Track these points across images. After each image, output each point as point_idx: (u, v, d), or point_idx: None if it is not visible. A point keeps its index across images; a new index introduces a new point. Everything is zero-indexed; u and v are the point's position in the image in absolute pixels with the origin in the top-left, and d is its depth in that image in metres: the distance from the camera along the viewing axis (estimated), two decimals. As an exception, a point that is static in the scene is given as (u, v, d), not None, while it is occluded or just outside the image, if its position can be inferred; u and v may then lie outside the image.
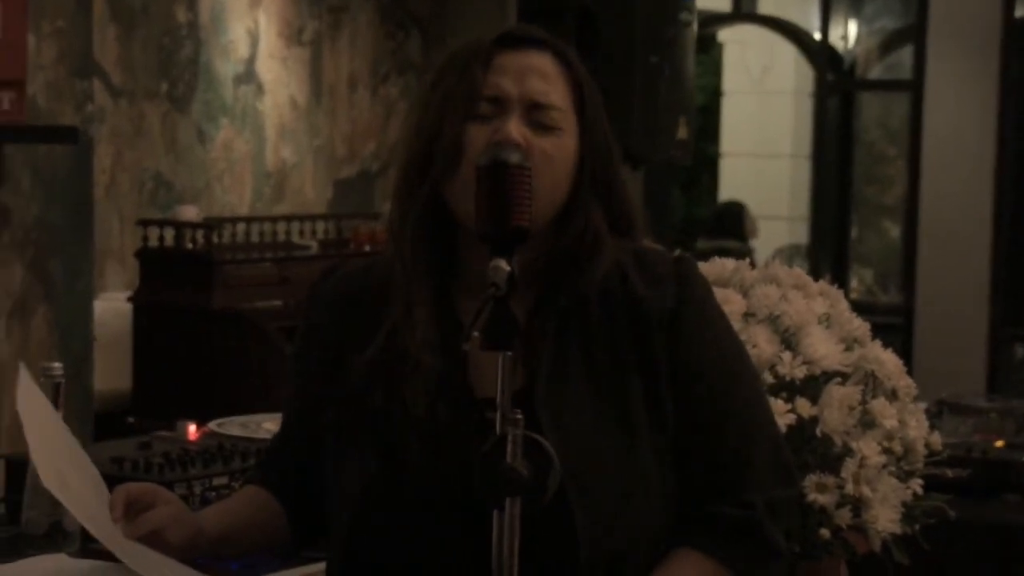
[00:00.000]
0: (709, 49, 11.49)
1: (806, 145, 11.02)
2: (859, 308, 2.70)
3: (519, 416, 1.79)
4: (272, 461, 2.23)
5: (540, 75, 2.03)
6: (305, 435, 2.13)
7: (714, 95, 12.00)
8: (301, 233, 6.45)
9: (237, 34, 7.64)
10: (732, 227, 9.07)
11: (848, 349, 2.56)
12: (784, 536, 2.04)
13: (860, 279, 10.25)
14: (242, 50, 7.66)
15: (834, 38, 9.98)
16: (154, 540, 2.02)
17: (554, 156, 2.00)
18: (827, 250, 9.65)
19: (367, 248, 6.39)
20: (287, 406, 2.23)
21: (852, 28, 10.24)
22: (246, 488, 2.22)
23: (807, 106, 11.09)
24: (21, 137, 4.09)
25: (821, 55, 9.85)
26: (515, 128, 1.98)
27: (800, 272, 2.69)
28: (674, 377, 2.01)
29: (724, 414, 2.04)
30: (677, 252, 2.16)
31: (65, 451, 2.13)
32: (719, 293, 2.33)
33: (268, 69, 7.78)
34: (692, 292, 2.06)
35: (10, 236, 4.16)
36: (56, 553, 2.30)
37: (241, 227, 6.29)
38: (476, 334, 1.80)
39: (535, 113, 2.01)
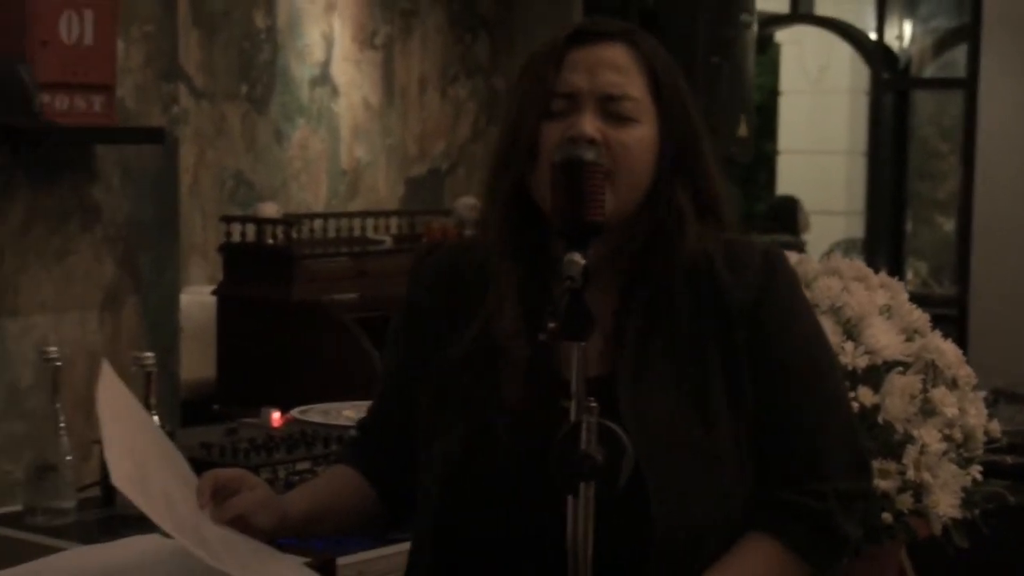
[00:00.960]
0: (767, 49, 11.41)
1: (861, 142, 10.94)
2: (914, 300, 2.69)
3: (594, 404, 1.78)
4: (363, 440, 2.22)
5: (613, 67, 2.00)
6: (401, 412, 2.12)
7: (771, 94, 11.92)
8: (375, 228, 6.46)
9: (313, 38, 7.66)
10: (786, 221, 9.02)
11: (909, 339, 2.55)
12: (857, 526, 2.03)
13: (915, 272, 10.17)
14: (318, 53, 7.68)
15: (889, 38, 9.90)
16: (240, 524, 2.02)
17: (631, 146, 1.97)
18: (882, 244, 9.58)
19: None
20: (384, 382, 2.22)
21: (907, 28, 10.15)
22: (334, 468, 2.22)
23: (862, 104, 11.01)
24: (111, 138, 4.12)
25: (876, 54, 9.78)
26: (588, 123, 1.96)
27: (861, 264, 2.68)
28: (755, 367, 2.00)
29: (802, 405, 2.02)
30: (766, 243, 2.12)
31: (148, 441, 2.13)
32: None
33: (342, 72, 7.80)
34: (777, 284, 2.03)
35: (102, 232, 4.20)
36: (149, 534, 2.32)
37: (318, 223, 6.31)
38: (552, 325, 1.80)
39: (609, 105, 1.98)
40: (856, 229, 11.15)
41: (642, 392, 1.96)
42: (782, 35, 11.44)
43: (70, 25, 3.90)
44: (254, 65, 7.34)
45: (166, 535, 2.22)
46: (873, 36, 9.88)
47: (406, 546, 2.27)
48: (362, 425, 2.25)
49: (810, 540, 1.99)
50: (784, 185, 11.65)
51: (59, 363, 2.65)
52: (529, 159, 1.99)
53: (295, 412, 3.13)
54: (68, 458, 2.62)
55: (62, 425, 2.62)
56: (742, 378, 1.99)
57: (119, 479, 1.96)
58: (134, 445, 2.06)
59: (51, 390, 2.63)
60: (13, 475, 3.92)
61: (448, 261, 2.14)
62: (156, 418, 2.65)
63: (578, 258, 1.81)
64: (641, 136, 1.99)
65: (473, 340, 2.02)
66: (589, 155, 1.88)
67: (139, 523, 2.49)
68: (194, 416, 4.42)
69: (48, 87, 3.85)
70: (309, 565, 2.04)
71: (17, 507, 2.68)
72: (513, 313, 2.01)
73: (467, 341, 2.03)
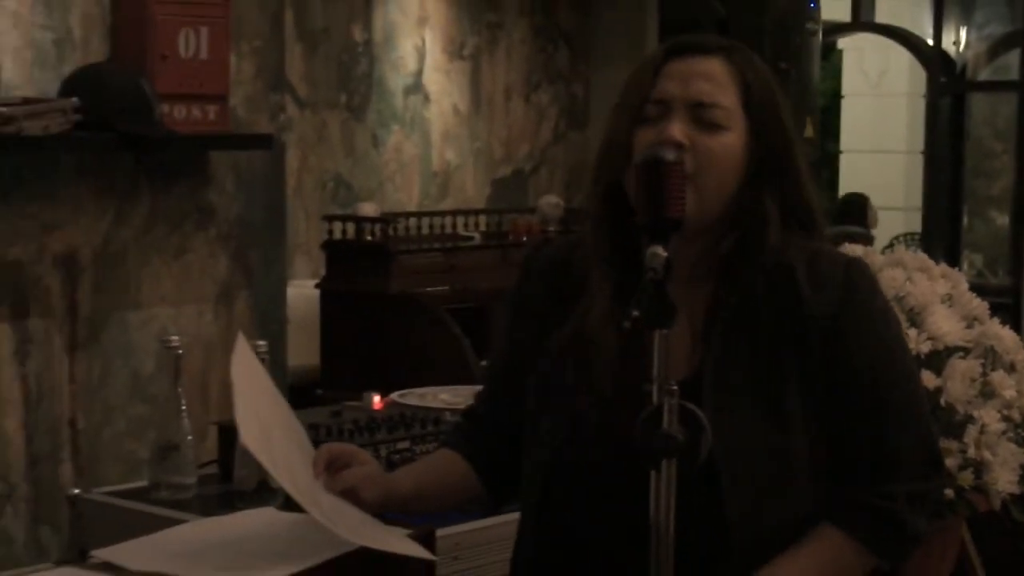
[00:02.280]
0: (830, 55, 11.33)
1: (919, 142, 10.84)
2: (972, 290, 2.67)
3: (675, 387, 1.79)
4: (467, 426, 2.22)
5: (706, 78, 1.98)
6: (507, 399, 2.12)
7: (834, 97, 11.83)
8: (465, 226, 6.48)
9: (406, 50, 7.69)
10: (856, 215, 8.94)
11: (969, 326, 2.54)
12: (924, 521, 2.00)
13: (971, 263, 10.06)
14: (411, 64, 7.71)
15: (946, 43, 9.79)
16: (350, 495, 2.05)
17: (718, 152, 1.95)
18: (940, 237, 9.49)
19: (524, 239, 6.39)
20: (490, 371, 2.23)
21: (963, 34, 10.04)
22: (440, 451, 2.22)
23: (920, 106, 10.91)
24: (224, 144, 4.15)
25: (934, 59, 9.67)
26: (676, 127, 1.95)
27: (924, 256, 2.66)
28: (831, 375, 1.97)
29: (876, 410, 1.99)
30: (850, 256, 2.08)
31: (274, 411, 2.15)
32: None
33: (433, 81, 7.82)
34: (856, 297, 1.99)
35: (216, 231, 4.23)
36: (264, 507, 2.35)
37: (412, 221, 6.34)
38: (635, 314, 1.80)
39: (699, 112, 1.96)
40: (914, 224, 11.05)
41: (723, 391, 1.95)
42: (844, 42, 11.36)
43: (187, 41, 3.93)
44: (352, 76, 7.38)
45: (279, 509, 2.26)
46: (930, 42, 9.78)
47: (499, 519, 2.28)
48: (468, 412, 2.25)
49: (877, 534, 1.97)
50: (846, 183, 11.56)
51: (180, 351, 2.67)
52: (624, 162, 1.99)
53: (394, 395, 3.14)
54: (189, 438, 2.65)
55: (183, 408, 2.64)
56: (817, 386, 1.97)
57: (247, 438, 1.98)
58: (262, 412, 2.08)
59: (173, 376, 2.65)
60: (137, 454, 3.97)
61: (556, 255, 2.13)
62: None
63: (659, 251, 1.80)
64: (728, 143, 1.97)
65: (571, 331, 2.02)
66: (669, 155, 1.87)
67: (254, 498, 2.54)
68: (300, 400, 4.43)
69: (167, 98, 3.88)
70: (410, 536, 2.05)
71: (143, 483, 2.71)
72: (605, 306, 2.00)
73: (566, 332, 2.03)
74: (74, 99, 3.66)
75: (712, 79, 1.98)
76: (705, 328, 1.99)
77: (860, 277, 2.02)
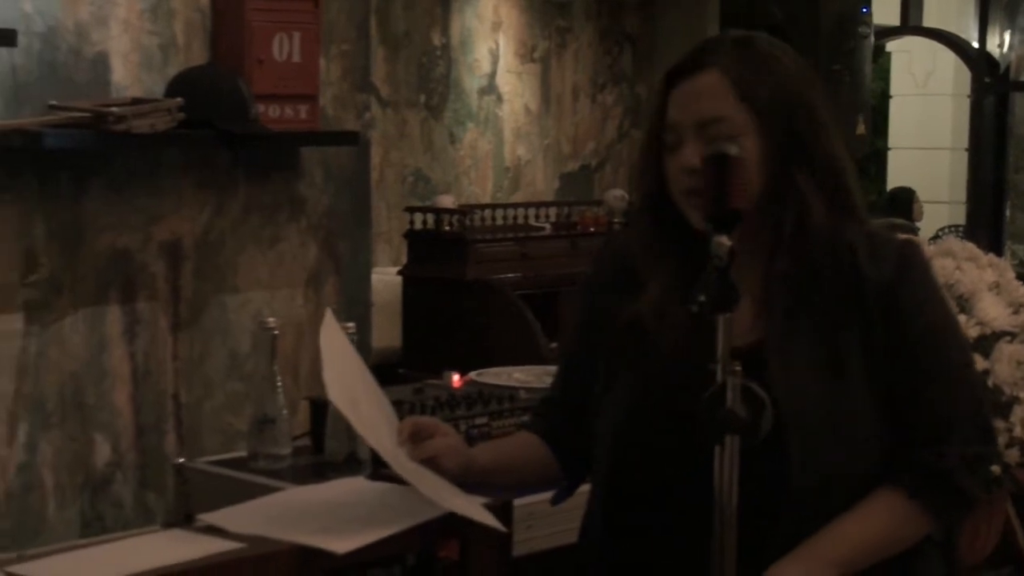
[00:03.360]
0: (879, 58, 11.21)
1: (964, 139, 10.74)
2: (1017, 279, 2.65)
3: (738, 368, 1.79)
4: (545, 411, 2.23)
5: (707, 95, 1.97)
6: (580, 383, 2.12)
7: (883, 97, 11.71)
8: (536, 217, 6.47)
9: (481, 54, 7.69)
10: (902, 208, 8.86)
11: (1015, 312, 2.52)
12: (979, 485, 1.99)
13: (1012, 254, 9.95)
14: (485, 67, 7.71)
15: (990, 46, 9.69)
16: (432, 465, 2.06)
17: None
18: (983, 229, 9.40)
19: (591, 229, 6.38)
20: (566, 353, 2.24)
21: (1007, 37, 9.92)
22: (520, 434, 2.24)
23: (965, 106, 10.80)
24: (315, 141, 4.17)
25: (978, 61, 9.58)
26: (689, 153, 1.96)
27: (973, 246, 2.64)
28: (890, 343, 1.96)
29: (932, 377, 1.98)
30: (904, 237, 2.09)
31: (361, 382, 2.16)
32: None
33: (506, 82, 7.82)
34: (911, 273, 2.00)
35: (306, 221, 4.26)
36: (353, 477, 2.36)
37: (488, 212, 6.33)
38: (702, 298, 1.80)
39: (708, 130, 1.96)
40: (958, 217, 10.94)
41: (788, 359, 1.95)
42: (893, 45, 11.24)
43: (281, 45, 3.96)
44: (431, 78, 7.39)
45: (368, 479, 2.27)
46: (975, 44, 9.67)
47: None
48: (545, 399, 2.26)
49: (935, 496, 1.96)
50: (894, 178, 11.46)
51: (276, 332, 2.69)
52: (660, 181, 2.01)
53: (472, 375, 3.15)
54: (284, 412, 2.67)
55: (278, 384, 2.67)
56: (878, 352, 1.96)
57: (336, 398, 2.00)
58: (349, 381, 2.09)
59: (269, 354, 2.67)
60: (234, 426, 4.01)
61: (626, 246, 2.13)
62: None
63: (724, 240, 1.80)
64: (742, 148, 1.92)
65: (634, 314, 2.03)
66: (732, 150, 1.86)
67: (344, 469, 2.56)
68: (383, 378, 4.44)
69: (262, 98, 3.90)
70: (487, 506, 2.06)
71: (241, 453, 2.74)
72: (665, 289, 2.01)
73: (630, 315, 2.03)
74: (178, 99, 3.69)
75: (709, 94, 1.97)
76: (764, 300, 1.98)
77: (914, 253, 2.02)
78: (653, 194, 2.03)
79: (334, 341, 2.14)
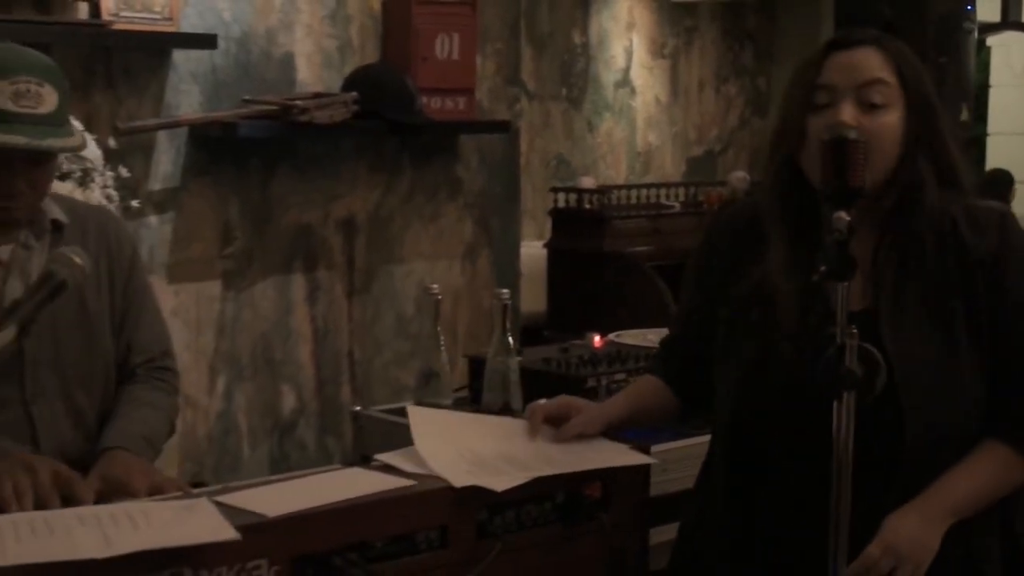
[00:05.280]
0: (980, 51, 10.90)
1: (1057, 125, 10.40)
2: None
3: (854, 331, 1.75)
4: (665, 355, 2.21)
5: (865, 65, 1.93)
6: (696, 331, 2.10)
7: (983, 87, 11.36)
8: (666, 196, 6.42)
9: (616, 51, 7.65)
10: (1001, 189, 8.58)
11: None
12: None
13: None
14: (620, 62, 7.66)
15: (1084, 39, 9.35)
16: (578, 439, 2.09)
17: (880, 132, 1.90)
18: (1074, 207, 9.08)
19: (716, 207, 6.31)
20: (684, 307, 2.19)
21: (1099, 31, 9.56)
22: (644, 377, 2.23)
23: (1059, 95, 10.45)
24: (471, 129, 4.19)
25: (1072, 53, 9.25)
26: (846, 111, 1.90)
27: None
28: (993, 308, 1.91)
29: None
30: (1002, 207, 2.02)
31: (457, 426, 2.18)
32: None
33: (639, 76, 7.77)
34: (1011, 241, 1.94)
35: (463, 200, 4.28)
36: (504, 417, 2.37)
37: (623, 192, 6.30)
38: (823, 268, 1.77)
39: (864, 93, 1.91)
40: (1050, 197, 10.60)
41: (899, 324, 1.90)
42: (992, 40, 10.89)
43: (442, 45, 3.97)
44: (572, 73, 7.37)
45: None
46: (1070, 38, 9.34)
47: (700, 439, 2.26)
48: (664, 343, 2.24)
49: None
50: (993, 160, 11.14)
51: (439, 297, 2.71)
52: (798, 142, 1.95)
53: (611, 336, 3.14)
54: (446, 367, 2.69)
55: (441, 343, 2.69)
56: (981, 316, 1.91)
57: (441, 467, 1.98)
58: (443, 440, 2.09)
59: (434, 317, 2.68)
60: (401, 381, 4.06)
61: (737, 218, 2.11)
62: (510, 338, 2.69)
63: (843, 215, 1.77)
64: (889, 122, 1.92)
65: (757, 280, 2.00)
66: (852, 134, 1.83)
67: (498, 415, 2.57)
68: (530, 340, 4.48)
69: (425, 91, 3.93)
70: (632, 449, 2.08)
71: (409, 403, 2.76)
72: (786, 258, 1.97)
73: (753, 280, 2.00)
74: (353, 93, 3.74)
75: (870, 63, 1.93)
76: (874, 270, 1.93)
77: (1013, 223, 1.97)
78: (789, 157, 1.97)
79: (425, 420, 2.15)
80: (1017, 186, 9.60)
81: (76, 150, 2.38)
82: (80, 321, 2.24)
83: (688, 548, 2.09)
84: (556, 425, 2.12)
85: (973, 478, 1.89)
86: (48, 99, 2.10)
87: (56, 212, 2.25)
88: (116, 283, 2.31)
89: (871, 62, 1.93)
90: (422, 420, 2.12)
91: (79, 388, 2.24)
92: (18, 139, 2.06)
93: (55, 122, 2.12)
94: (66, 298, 2.07)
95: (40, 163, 2.15)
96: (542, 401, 2.16)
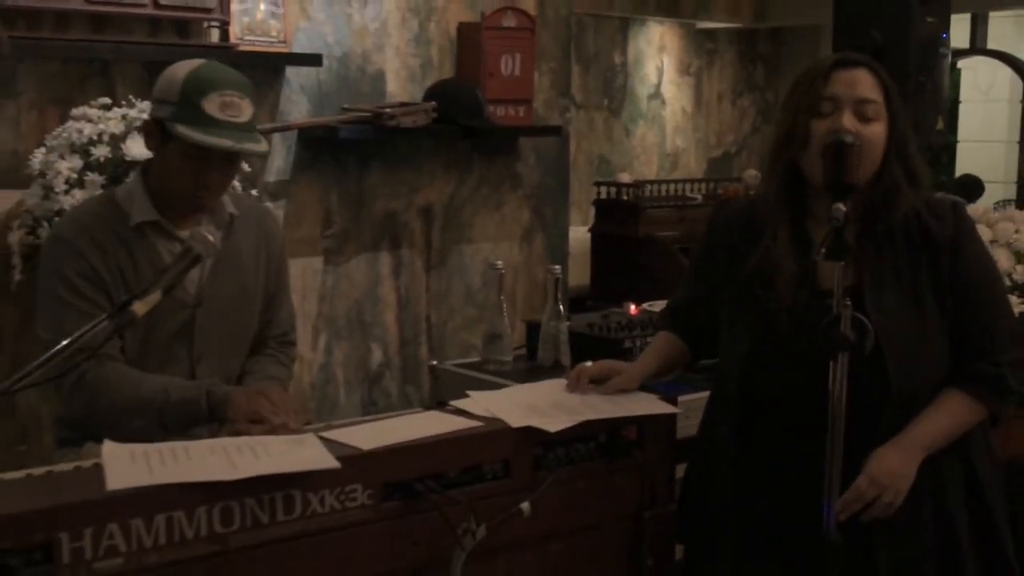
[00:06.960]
0: (952, 72, 10.70)
1: (1016, 134, 10.21)
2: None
3: (848, 303, 1.75)
4: (675, 314, 2.18)
5: (865, 83, 1.92)
6: (699, 302, 2.10)
7: (954, 103, 11.18)
8: (690, 190, 6.38)
9: (649, 69, 7.59)
10: (970, 191, 8.42)
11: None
12: (1019, 384, 1.93)
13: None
14: (652, 79, 7.61)
15: (1042, 62, 9.15)
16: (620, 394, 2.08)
17: (871, 140, 1.89)
18: (1032, 203, 8.92)
19: (730, 199, 6.26)
20: (687, 283, 2.17)
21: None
22: (661, 334, 2.20)
23: (1018, 109, 10.25)
24: (529, 133, 4.17)
25: (1032, 73, 9.05)
26: (848, 119, 1.88)
27: (1029, 217, 2.50)
28: (953, 281, 1.91)
29: (984, 306, 1.92)
30: (952, 198, 2.02)
31: (518, 393, 2.14)
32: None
33: (668, 90, 7.72)
34: (965, 225, 1.94)
35: (522, 192, 4.27)
36: (559, 378, 2.36)
37: (654, 186, 6.26)
38: (823, 250, 1.76)
39: (861, 107, 1.90)
40: (1011, 193, 10.40)
41: (879, 297, 1.90)
42: (963, 63, 10.71)
43: (506, 63, 3.96)
44: (612, 87, 7.33)
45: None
46: (1030, 61, 9.14)
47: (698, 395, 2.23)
48: (672, 305, 2.21)
49: (987, 391, 1.91)
50: (962, 164, 10.97)
51: (503, 272, 2.71)
52: (802, 145, 1.92)
53: (644, 305, 3.12)
54: (508, 329, 2.69)
55: (504, 310, 2.69)
56: (944, 288, 1.91)
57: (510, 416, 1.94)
58: (515, 407, 2.03)
59: (497, 288, 2.69)
60: (469, 341, 4.06)
61: (738, 212, 2.09)
62: (560, 307, 2.67)
63: (841, 207, 1.77)
64: (877, 131, 1.91)
65: (758, 261, 1.98)
66: (850, 139, 1.83)
67: (551, 372, 2.57)
68: (576, 308, 4.47)
69: (492, 102, 3.92)
70: (660, 399, 2.06)
71: (476, 359, 2.77)
72: (786, 243, 1.95)
73: (754, 261, 1.98)
74: (432, 103, 3.73)
75: (866, 83, 1.92)
76: (859, 253, 1.91)
77: (963, 211, 1.96)
78: (793, 157, 1.94)
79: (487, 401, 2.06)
80: (986, 185, 9.45)
81: (265, 154, 2.43)
82: (241, 299, 2.28)
83: (697, 480, 2.08)
84: (600, 383, 2.10)
85: (941, 420, 1.89)
86: (246, 110, 2.13)
87: (231, 207, 2.29)
88: (270, 270, 2.35)
89: (867, 82, 1.92)
90: (480, 398, 2.08)
91: (231, 353, 2.29)
92: (225, 142, 2.09)
93: (250, 129, 2.15)
94: (231, 279, 2.15)
95: (233, 162, 2.19)
96: (587, 363, 2.15)
